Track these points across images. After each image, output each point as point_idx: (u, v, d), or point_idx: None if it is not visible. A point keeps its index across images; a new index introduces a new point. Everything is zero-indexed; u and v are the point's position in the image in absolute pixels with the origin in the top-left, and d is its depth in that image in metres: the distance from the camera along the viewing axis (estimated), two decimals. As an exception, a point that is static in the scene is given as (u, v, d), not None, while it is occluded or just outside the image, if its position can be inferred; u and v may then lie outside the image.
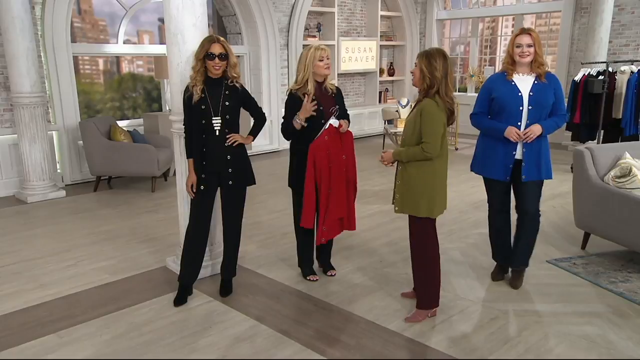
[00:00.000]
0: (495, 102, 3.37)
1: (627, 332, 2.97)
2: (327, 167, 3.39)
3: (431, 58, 2.94)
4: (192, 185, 3.31)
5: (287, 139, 3.58)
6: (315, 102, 3.34)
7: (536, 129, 3.24)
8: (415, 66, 3.02)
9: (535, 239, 3.54)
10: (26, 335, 3.00)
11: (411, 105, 3.28)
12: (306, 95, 3.34)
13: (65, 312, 3.29)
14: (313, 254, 3.81)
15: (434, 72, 2.92)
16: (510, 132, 3.27)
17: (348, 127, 3.50)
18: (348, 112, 3.63)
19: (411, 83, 3.25)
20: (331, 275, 3.77)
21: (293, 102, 3.43)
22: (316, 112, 3.36)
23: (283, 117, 3.53)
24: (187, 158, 3.34)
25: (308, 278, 3.72)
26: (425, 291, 3.15)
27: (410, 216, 3.09)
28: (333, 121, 3.39)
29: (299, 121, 3.37)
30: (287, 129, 3.48)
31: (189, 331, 3.04)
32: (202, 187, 3.32)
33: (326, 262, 3.85)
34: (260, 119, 3.53)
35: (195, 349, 2.86)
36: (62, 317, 3.21)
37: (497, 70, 4.59)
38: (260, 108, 3.55)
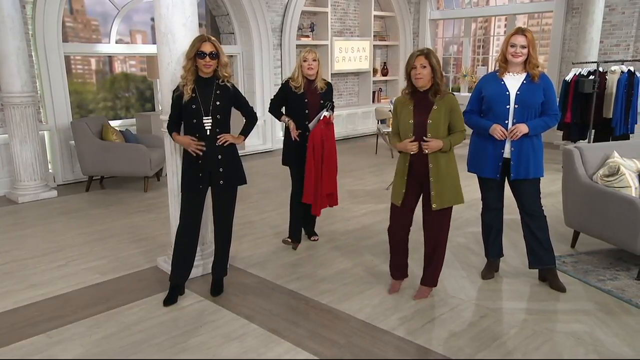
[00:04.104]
0: (485, 101, 3.43)
1: (615, 329, 2.99)
2: (320, 151, 3.95)
3: (434, 57, 3.09)
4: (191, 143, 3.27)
5: (272, 114, 4.23)
6: (299, 132, 4.05)
7: (522, 128, 3.27)
8: (423, 67, 3.04)
9: (548, 236, 3.48)
10: (16, 335, 3.00)
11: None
12: (294, 127, 4.06)
13: (56, 312, 3.28)
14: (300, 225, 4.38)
15: (440, 69, 3.11)
16: (495, 130, 3.32)
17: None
18: (334, 103, 4.20)
19: (417, 84, 3.10)
20: (314, 240, 4.46)
21: (283, 90, 4.12)
22: (301, 104, 4.04)
23: (274, 95, 4.20)
24: (170, 133, 3.40)
25: (293, 246, 4.32)
26: (439, 271, 3.41)
27: (444, 209, 3.24)
28: (326, 112, 3.95)
29: (293, 135, 4.08)
30: (273, 112, 4.19)
31: (179, 331, 3.04)
32: (194, 188, 3.33)
33: (310, 230, 4.52)
34: (251, 119, 3.54)
35: (185, 348, 2.86)
36: (52, 317, 3.21)
37: (489, 70, 4.64)
38: (252, 108, 3.56)
